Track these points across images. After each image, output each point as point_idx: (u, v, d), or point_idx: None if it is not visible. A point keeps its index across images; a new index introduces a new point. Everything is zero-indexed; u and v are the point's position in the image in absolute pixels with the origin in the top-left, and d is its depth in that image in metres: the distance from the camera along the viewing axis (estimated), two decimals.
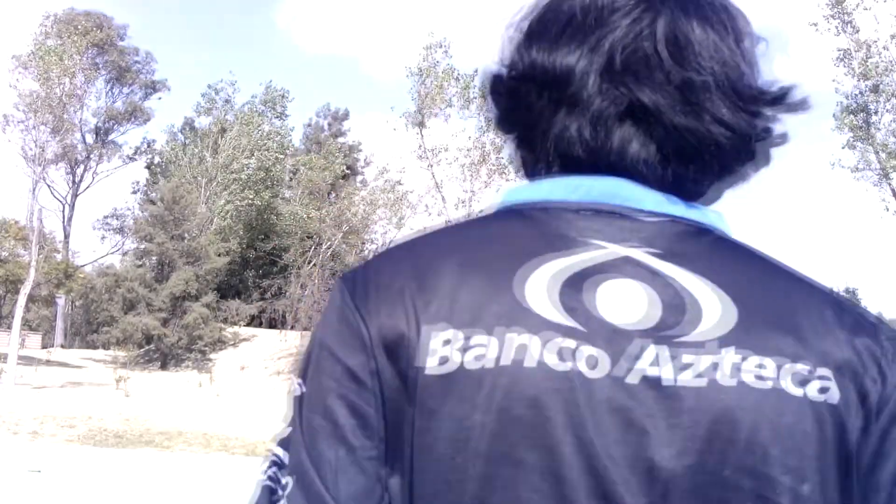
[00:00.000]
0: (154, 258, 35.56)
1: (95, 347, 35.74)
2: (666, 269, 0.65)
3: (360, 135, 72.95)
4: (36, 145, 37.43)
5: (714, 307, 0.63)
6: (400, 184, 40.13)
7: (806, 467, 0.61)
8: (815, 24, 28.61)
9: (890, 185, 27.79)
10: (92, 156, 45.60)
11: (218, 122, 42.92)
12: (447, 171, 37.11)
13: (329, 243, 39.00)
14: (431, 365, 0.61)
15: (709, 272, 0.65)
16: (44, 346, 37.77)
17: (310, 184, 40.18)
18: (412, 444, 0.62)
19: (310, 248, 39.98)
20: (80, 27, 40.03)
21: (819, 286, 0.69)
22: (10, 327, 35.70)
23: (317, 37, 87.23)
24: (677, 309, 0.63)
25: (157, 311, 32.10)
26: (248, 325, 38.79)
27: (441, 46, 37.81)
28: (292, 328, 35.71)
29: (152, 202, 40.22)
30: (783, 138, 0.71)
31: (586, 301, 0.63)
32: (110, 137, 46.64)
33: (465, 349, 0.61)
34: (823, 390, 0.62)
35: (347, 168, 45.17)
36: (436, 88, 36.99)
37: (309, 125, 53.60)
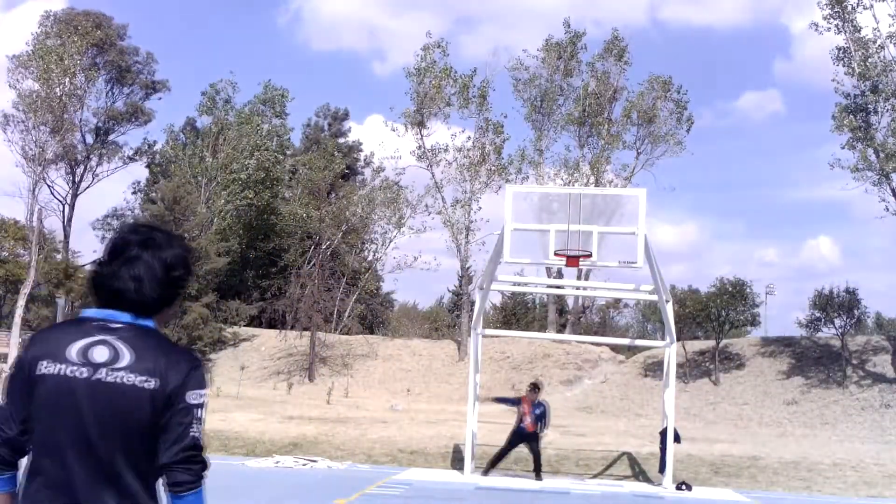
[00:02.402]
0: None
1: None
2: (118, 342, 2.10)
3: (360, 134, 72.88)
4: (36, 145, 37.46)
5: (127, 355, 2.09)
6: (397, 185, 40.13)
7: (140, 414, 2.06)
8: (816, 25, 28.63)
9: (890, 185, 27.79)
10: (92, 156, 45.62)
11: (218, 121, 42.87)
12: (447, 171, 37.11)
13: (329, 243, 39.02)
14: (38, 372, 2.09)
15: (131, 343, 2.11)
16: None
17: (309, 184, 40.16)
18: (32, 406, 2.11)
19: (310, 247, 39.99)
20: (79, 27, 40.01)
21: (167, 343, 2.16)
22: (10, 327, 35.74)
23: (317, 36, 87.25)
24: (117, 355, 2.09)
25: None
26: (248, 325, 38.81)
27: (439, 46, 37.82)
28: (292, 328, 35.74)
29: (152, 202, 40.29)
30: (182, 294, 2.31)
31: (90, 353, 2.09)
32: (110, 138, 46.65)
33: (47, 366, 2.08)
34: (150, 383, 2.07)
35: (347, 168, 45.19)
36: (434, 88, 36.97)
37: (308, 125, 53.66)
